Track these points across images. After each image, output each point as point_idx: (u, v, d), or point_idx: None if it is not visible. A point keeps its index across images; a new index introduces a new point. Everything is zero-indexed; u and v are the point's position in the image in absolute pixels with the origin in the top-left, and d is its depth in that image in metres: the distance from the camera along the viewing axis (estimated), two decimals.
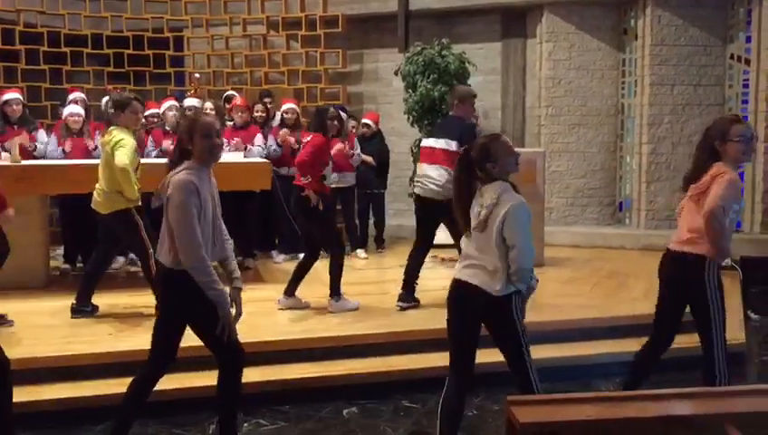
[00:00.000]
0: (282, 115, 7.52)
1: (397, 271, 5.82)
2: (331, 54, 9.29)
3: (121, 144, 4.91)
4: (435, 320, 5.16)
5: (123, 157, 4.86)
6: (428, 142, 5.55)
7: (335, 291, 5.43)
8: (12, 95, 6.69)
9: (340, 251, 5.49)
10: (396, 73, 8.45)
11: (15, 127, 6.58)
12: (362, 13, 9.26)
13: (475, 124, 6.27)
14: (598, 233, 8.46)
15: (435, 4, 8.96)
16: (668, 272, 3.74)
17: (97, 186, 5.10)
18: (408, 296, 5.51)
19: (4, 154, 6.15)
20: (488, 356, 4.41)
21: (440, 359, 4.68)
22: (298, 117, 7.54)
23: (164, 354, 3.37)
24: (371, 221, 8.15)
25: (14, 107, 6.64)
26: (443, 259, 7.19)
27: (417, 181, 5.56)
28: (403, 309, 5.43)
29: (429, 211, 5.46)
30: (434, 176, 5.34)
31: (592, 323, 5.25)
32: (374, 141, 8.00)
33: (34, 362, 4.24)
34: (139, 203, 5.04)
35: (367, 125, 8.04)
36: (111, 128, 5.07)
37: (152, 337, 3.37)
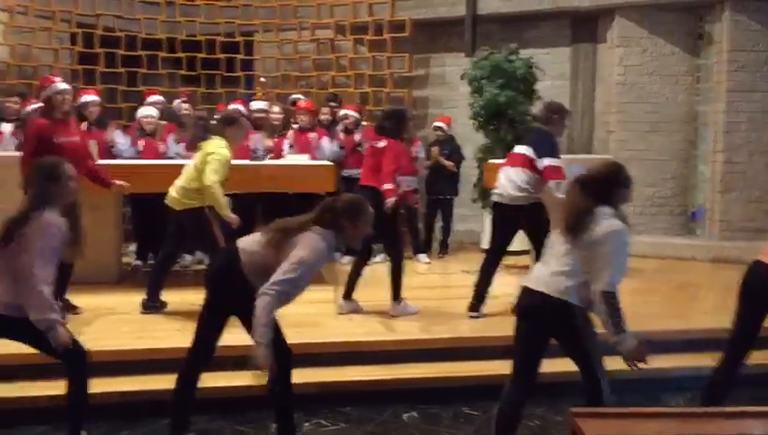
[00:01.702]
0: (342, 121, 7.63)
1: (460, 277, 5.80)
2: (398, 58, 9.32)
3: (215, 157, 5.04)
4: (498, 327, 5.11)
5: (211, 174, 4.99)
6: (515, 149, 5.47)
7: (397, 295, 5.43)
8: (89, 97, 6.95)
9: (402, 255, 5.50)
10: (462, 78, 8.41)
11: (93, 128, 6.82)
12: (429, 17, 9.25)
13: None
14: (668, 243, 8.21)
15: (503, 9, 8.88)
16: (755, 284, 3.57)
17: (176, 182, 5.24)
18: (479, 305, 5.44)
19: None
20: (552, 366, 4.33)
21: (502, 366, 4.64)
22: (357, 121, 7.62)
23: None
24: (438, 226, 8.13)
25: (92, 109, 6.88)
26: (508, 266, 7.10)
27: (498, 188, 5.43)
28: (474, 317, 5.37)
29: (510, 217, 5.36)
30: (516, 179, 5.26)
31: (662, 336, 5.07)
32: (447, 146, 7.97)
33: (104, 354, 4.33)
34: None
35: (439, 128, 8.01)
36: (216, 137, 5.23)
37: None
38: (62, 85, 5.15)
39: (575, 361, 3.31)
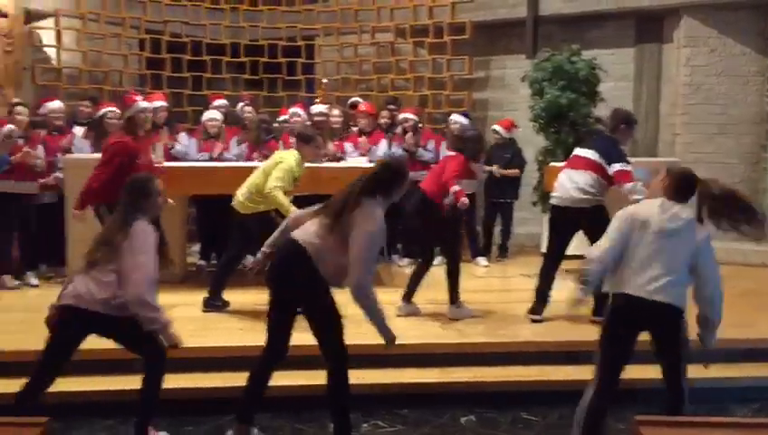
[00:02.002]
0: (401, 124, 7.66)
1: (519, 280, 5.75)
2: (458, 61, 9.29)
3: (282, 166, 5.23)
4: (559, 332, 5.06)
5: (274, 181, 5.16)
6: (577, 152, 5.41)
7: (454, 297, 5.43)
8: (158, 103, 7.18)
9: (459, 258, 5.53)
10: (523, 80, 8.33)
11: (159, 130, 7.03)
12: (490, 19, 9.20)
13: None
14: (736, 249, 7.93)
15: (565, 10, 8.76)
16: None
17: (243, 186, 5.36)
18: (540, 308, 5.39)
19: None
20: (579, 374, 4.28)
21: (562, 372, 4.59)
22: (416, 124, 7.65)
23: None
24: (497, 229, 8.07)
25: (160, 114, 7.11)
26: (567, 271, 7.00)
27: (558, 190, 5.37)
28: (537, 321, 5.32)
29: (570, 219, 5.30)
30: (580, 181, 5.20)
31: (728, 345, 4.92)
32: (508, 150, 7.91)
33: (168, 351, 4.47)
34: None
35: (497, 132, 7.96)
36: (292, 150, 5.45)
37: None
38: (143, 104, 5.37)
39: (667, 366, 3.31)
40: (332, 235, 3.43)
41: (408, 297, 5.54)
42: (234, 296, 5.62)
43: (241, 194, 5.36)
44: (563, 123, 7.76)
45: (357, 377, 3.97)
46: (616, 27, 8.75)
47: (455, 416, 4.29)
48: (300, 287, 3.50)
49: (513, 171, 7.79)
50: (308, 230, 3.53)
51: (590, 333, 4.98)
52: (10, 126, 6.10)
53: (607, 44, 8.73)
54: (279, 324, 3.64)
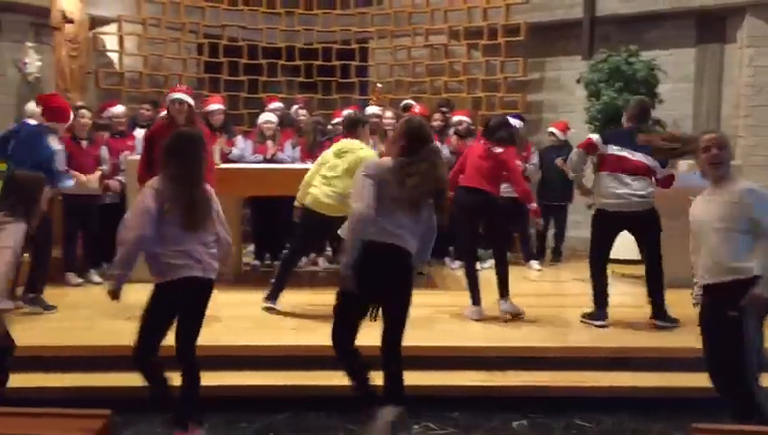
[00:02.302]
0: (455, 126, 7.64)
1: (573, 285, 5.67)
2: (512, 63, 9.23)
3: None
4: (611, 337, 4.98)
5: None
6: (623, 153, 5.29)
7: (504, 292, 5.44)
8: (215, 106, 7.33)
9: (506, 252, 5.64)
10: (578, 81, 8.22)
11: (217, 133, 7.18)
12: (545, 20, 9.10)
13: None
14: None
15: (622, 10, 8.61)
16: None
17: (327, 189, 5.38)
18: (601, 313, 5.30)
19: None
20: (671, 380, 4.19)
21: (616, 378, 4.52)
22: (469, 127, 7.62)
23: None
24: (550, 233, 7.98)
25: (217, 116, 7.25)
26: (623, 275, 6.89)
27: (611, 197, 5.27)
28: (601, 326, 5.25)
29: (625, 222, 5.25)
30: (637, 187, 5.17)
31: None
32: (563, 152, 7.81)
33: (221, 349, 4.54)
34: None
35: (552, 134, 7.88)
36: (354, 141, 5.50)
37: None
38: (176, 95, 5.43)
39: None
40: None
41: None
42: (287, 297, 5.69)
43: (325, 196, 5.37)
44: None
45: (408, 379, 3.99)
46: (675, 27, 8.56)
47: (506, 420, 4.25)
48: (400, 287, 3.65)
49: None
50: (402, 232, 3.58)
51: (643, 339, 4.92)
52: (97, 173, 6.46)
53: (666, 45, 8.55)
54: (359, 319, 3.71)
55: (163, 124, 5.51)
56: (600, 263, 5.35)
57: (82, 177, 6.27)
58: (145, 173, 5.13)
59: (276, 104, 8.00)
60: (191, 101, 5.47)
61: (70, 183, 5.89)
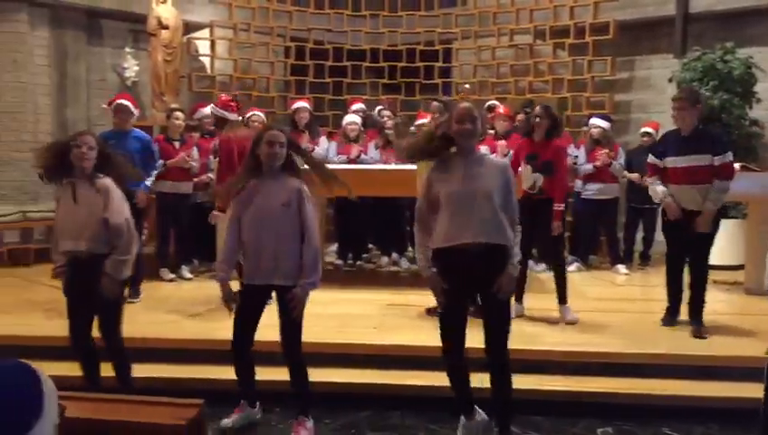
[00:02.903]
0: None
1: (661, 290, 5.47)
2: (599, 62, 9.02)
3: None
4: (706, 345, 4.80)
5: None
6: (690, 162, 5.05)
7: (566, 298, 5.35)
8: (301, 104, 7.50)
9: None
10: (670, 80, 7.96)
11: (302, 133, 7.33)
12: (635, 18, 8.86)
13: None
14: None
15: (717, 6, 8.28)
16: None
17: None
18: (671, 319, 5.20)
19: None
20: (723, 390, 4.04)
21: (705, 387, 4.36)
22: None
23: None
24: (639, 236, 7.76)
25: (302, 115, 7.40)
26: (716, 282, 6.63)
27: (692, 204, 5.09)
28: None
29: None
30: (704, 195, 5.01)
31: None
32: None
33: (305, 347, 4.62)
34: None
35: (648, 134, 7.65)
36: None
37: None
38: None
39: None
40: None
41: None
42: (368, 295, 5.76)
43: None
44: (715, 126, 7.34)
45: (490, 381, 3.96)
46: None
47: (590, 426, 4.17)
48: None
49: (633, 175, 7.44)
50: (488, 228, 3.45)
51: (731, 349, 4.71)
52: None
53: (763, 41, 8.16)
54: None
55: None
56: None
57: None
58: (225, 175, 5.43)
59: (358, 105, 8.10)
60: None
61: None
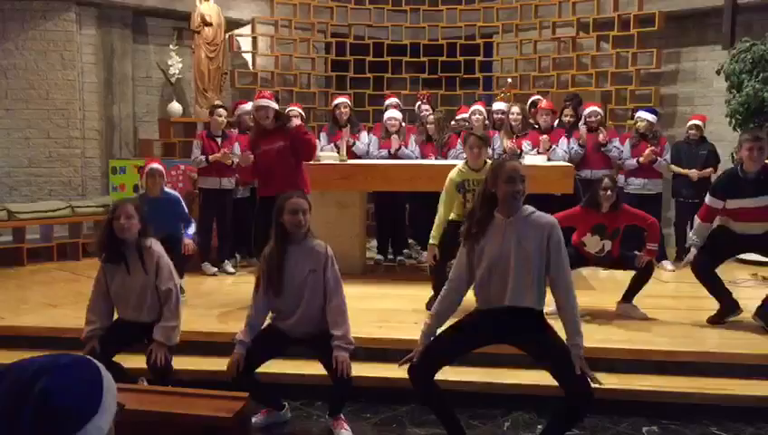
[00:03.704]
0: (585, 118, 7.43)
1: None
2: (644, 54, 8.85)
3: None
4: (754, 344, 4.69)
5: None
6: (744, 204, 4.99)
7: (630, 296, 5.33)
8: (341, 99, 7.52)
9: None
10: (718, 73, 7.76)
11: (343, 129, 7.35)
12: (682, 9, 8.65)
13: None
14: None
15: None
16: None
17: None
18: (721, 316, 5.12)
19: (332, 152, 6.91)
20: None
21: (759, 387, 4.25)
22: (602, 118, 7.43)
23: None
24: (689, 230, 7.60)
25: (343, 110, 7.42)
26: (764, 278, 6.47)
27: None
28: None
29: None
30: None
31: None
32: (703, 148, 7.43)
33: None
34: None
35: (697, 126, 7.49)
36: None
37: None
38: (261, 102, 5.50)
39: None
40: None
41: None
42: (408, 290, 5.75)
43: None
44: (766, 119, 7.15)
45: (535, 378, 3.94)
46: None
47: (636, 425, 4.10)
48: None
49: (708, 170, 7.29)
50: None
51: None
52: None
53: None
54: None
55: (257, 130, 5.66)
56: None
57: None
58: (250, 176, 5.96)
59: (393, 100, 8.05)
60: (275, 106, 5.50)
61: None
